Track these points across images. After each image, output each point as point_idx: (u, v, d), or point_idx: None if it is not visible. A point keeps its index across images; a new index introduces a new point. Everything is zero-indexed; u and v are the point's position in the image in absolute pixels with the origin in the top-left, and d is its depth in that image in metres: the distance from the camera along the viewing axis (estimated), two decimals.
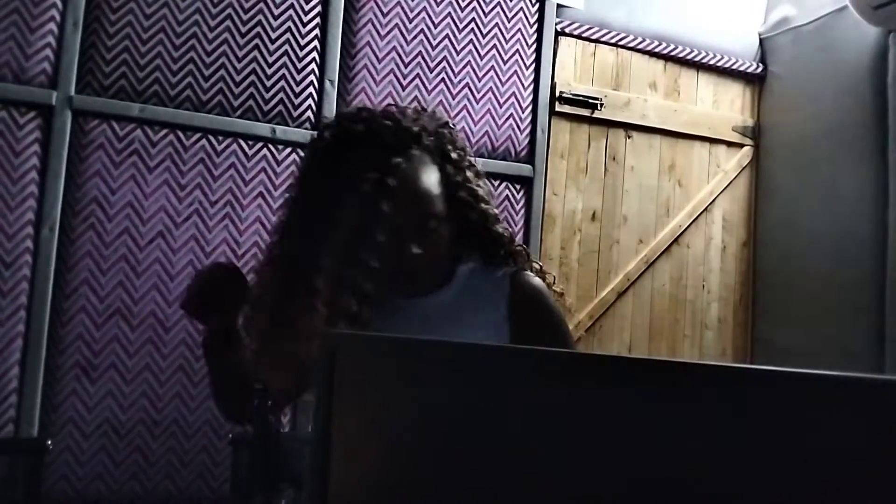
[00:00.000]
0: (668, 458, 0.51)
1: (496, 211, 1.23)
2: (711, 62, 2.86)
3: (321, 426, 0.74)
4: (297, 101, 2.19)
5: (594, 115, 2.65)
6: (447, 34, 2.40)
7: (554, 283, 1.25)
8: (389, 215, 1.05)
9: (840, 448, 0.45)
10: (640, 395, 0.53)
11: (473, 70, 2.43)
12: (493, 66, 2.46)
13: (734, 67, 2.90)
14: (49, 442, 1.75)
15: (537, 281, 1.22)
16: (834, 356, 2.51)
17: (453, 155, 1.17)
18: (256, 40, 2.14)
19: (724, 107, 2.93)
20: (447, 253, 1.18)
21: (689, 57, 2.82)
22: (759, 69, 2.95)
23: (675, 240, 2.79)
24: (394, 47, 2.32)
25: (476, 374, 0.64)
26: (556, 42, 2.58)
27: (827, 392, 0.47)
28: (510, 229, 1.27)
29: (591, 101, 2.63)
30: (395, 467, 0.70)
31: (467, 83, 2.42)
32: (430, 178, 1.13)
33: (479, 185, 1.20)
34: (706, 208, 2.86)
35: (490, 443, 0.61)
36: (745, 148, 2.94)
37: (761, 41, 2.96)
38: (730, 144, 2.91)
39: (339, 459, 0.73)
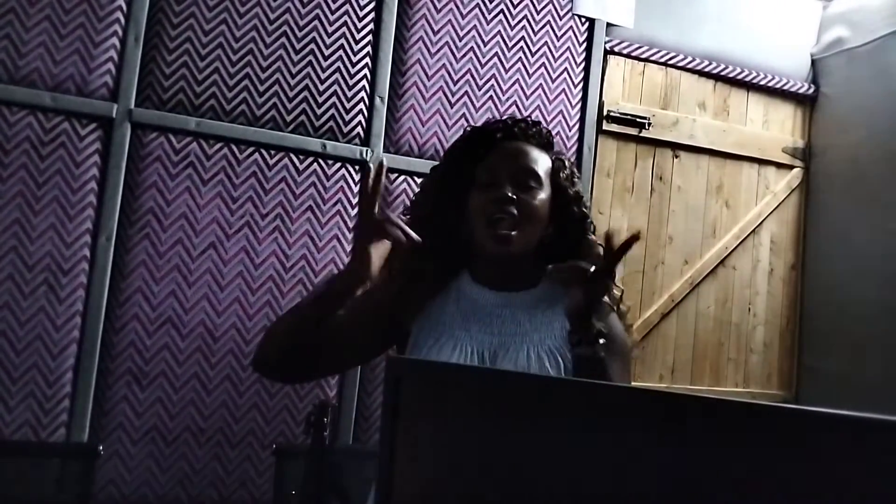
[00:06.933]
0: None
1: (594, 237, 1.37)
2: (762, 82, 2.82)
3: (387, 445, 0.76)
4: (347, 118, 2.22)
5: (641, 135, 2.64)
6: (496, 52, 2.41)
7: (627, 312, 1.40)
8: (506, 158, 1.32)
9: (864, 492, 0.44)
10: (701, 433, 0.53)
11: (521, 88, 2.44)
12: (541, 83, 2.46)
13: (785, 88, 2.87)
14: (101, 447, 1.78)
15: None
16: (883, 385, 2.45)
17: (566, 171, 1.38)
18: (310, 57, 2.18)
19: (775, 128, 2.89)
20: (538, 249, 1.32)
21: (739, 77, 2.79)
22: (811, 90, 2.91)
23: (722, 261, 2.76)
24: (443, 65, 2.34)
25: (529, 403, 0.67)
26: (604, 60, 2.57)
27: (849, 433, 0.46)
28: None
29: (638, 120, 2.62)
30: (454, 488, 0.71)
31: (515, 101, 2.43)
32: (543, 157, 1.35)
33: (582, 202, 1.38)
34: (754, 230, 2.82)
35: (540, 467, 0.62)
36: (795, 170, 2.90)
37: (813, 62, 2.92)
38: (779, 166, 2.88)
39: (401, 477, 0.75)
